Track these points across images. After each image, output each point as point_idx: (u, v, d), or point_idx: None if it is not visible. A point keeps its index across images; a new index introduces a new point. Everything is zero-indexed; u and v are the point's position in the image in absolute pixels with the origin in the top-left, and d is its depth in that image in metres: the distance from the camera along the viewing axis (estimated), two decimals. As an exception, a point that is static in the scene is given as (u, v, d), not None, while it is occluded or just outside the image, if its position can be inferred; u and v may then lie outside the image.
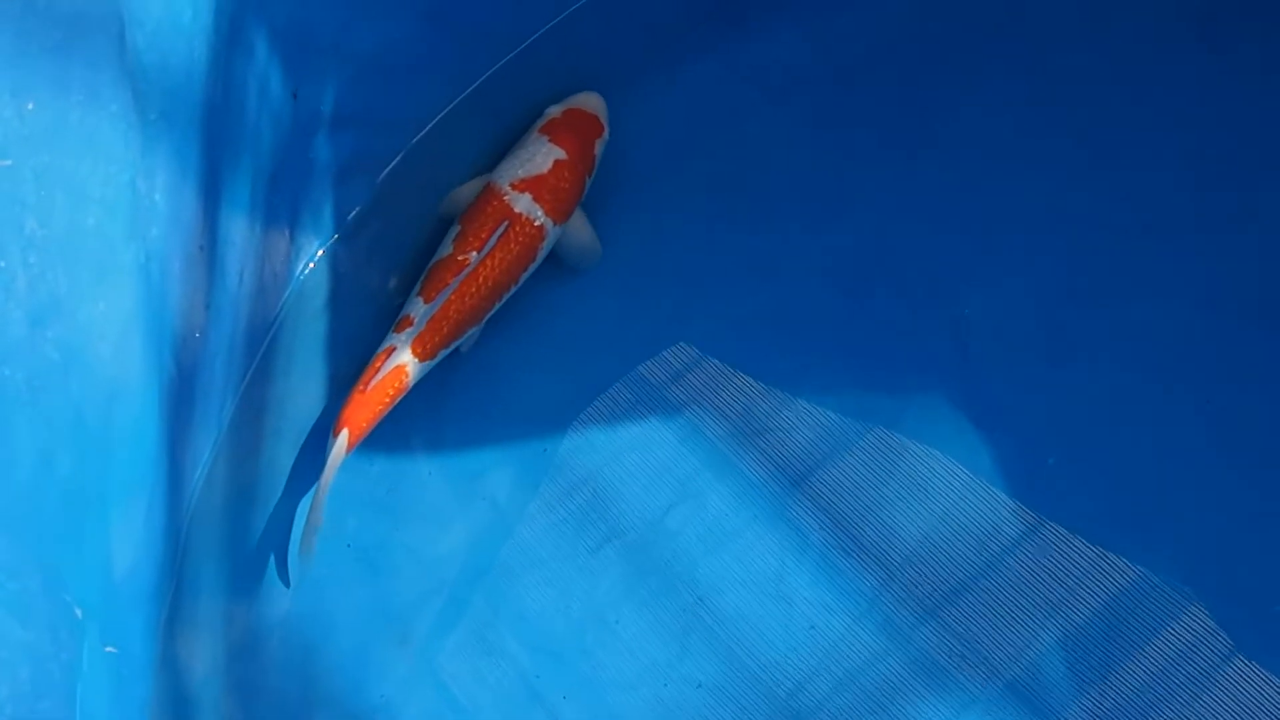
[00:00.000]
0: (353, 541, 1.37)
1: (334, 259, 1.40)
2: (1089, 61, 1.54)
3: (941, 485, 1.35)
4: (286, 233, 1.32)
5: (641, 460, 1.39)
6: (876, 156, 1.53)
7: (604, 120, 1.47)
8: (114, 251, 1.01)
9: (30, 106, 0.90)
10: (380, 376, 1.31)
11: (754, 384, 1.41)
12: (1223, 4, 1.54)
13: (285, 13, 1.20)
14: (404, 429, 1.40)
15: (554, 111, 1.46)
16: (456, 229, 1.39)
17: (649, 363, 1.44)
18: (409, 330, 1.33)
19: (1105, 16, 1.56)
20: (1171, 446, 1.35)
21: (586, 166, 1.44)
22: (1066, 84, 1.53)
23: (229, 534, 1.31)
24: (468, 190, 1.43)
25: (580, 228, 1.44)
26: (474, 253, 1.35)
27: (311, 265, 1.39)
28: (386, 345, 1.33)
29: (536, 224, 1.38)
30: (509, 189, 1.39)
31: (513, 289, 1.39)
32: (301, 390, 1.38)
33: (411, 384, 1.34)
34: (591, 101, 1.47)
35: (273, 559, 1.34)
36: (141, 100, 1.02)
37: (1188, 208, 1.45)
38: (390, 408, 1.33)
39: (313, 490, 1.31)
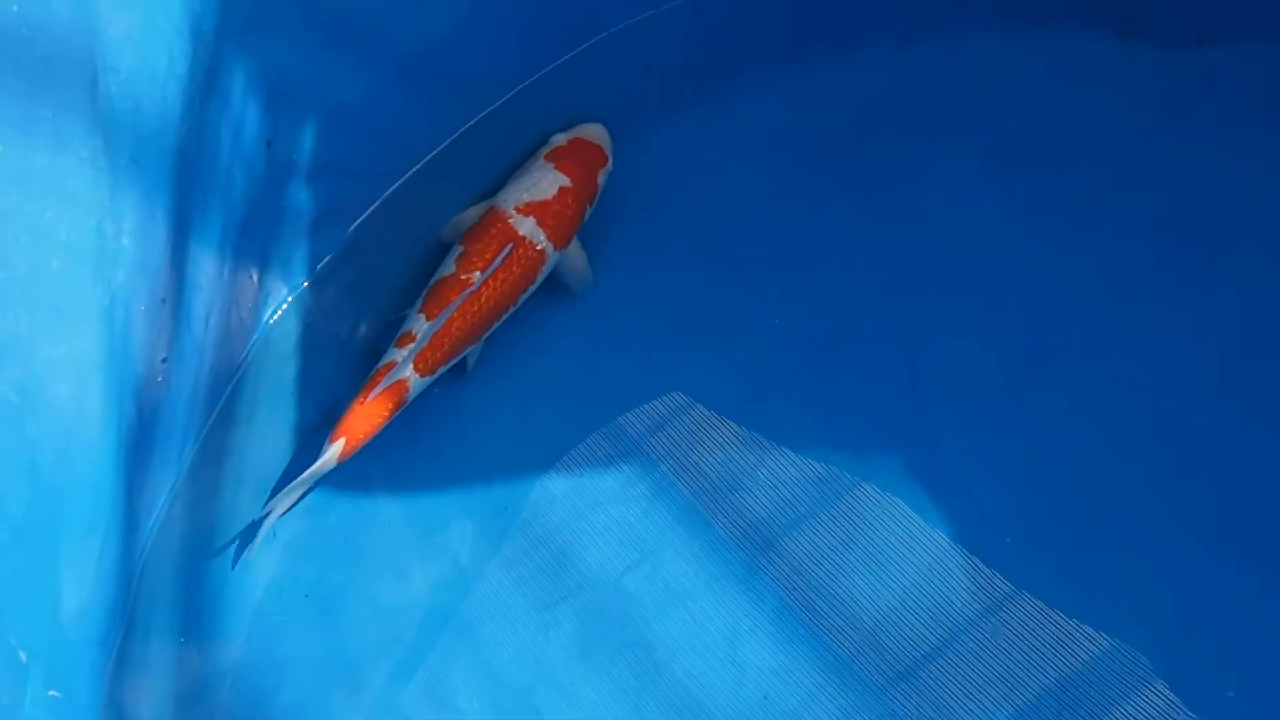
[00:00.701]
0: (311, 590, 1.36)
1: (303, 306, 1.40)
2: (1055, 131, 1.55)
3: (899, 558, 1.34)
4: (255, 279, 1.33)
5: (603, 518, 1.39)
6: (848, 217, 1.54)
7: (608, 151, 1.50)
8: (77, 295, 1.02)
9: (-3, 150, 0.91)
10: (380, 390, 1.33)
11: (719, 445, 1.42)
12: (1183, 85, 1.56)
13: (262, 62, 1.21)
14: (368, 476, 1.41)
15: (560, 139, 1.49)
16: (459, 249, 1.41)
17: (616, 419, 1.45)
18: (411, 346, 1.35)
19: (1071, 90, 1.58)
20: (1128, 519, 1.35)
21: (589, 195, 1.47)
22: (1033, 152, 1.55)
23: (184, 579, 1.30)
24: (471, 214, 1.46)
25: (577, 254, 1.47)
26: (477, 272, 1.38)
27: (280, 312, 1.39)
28: (388, 360, 1.35)
29: (539, 248, 1.41)
30: (514, 212, 1.41)
31: (511, 309, 1.42)
32: (265, 437, 1.37)
33: (411, 398, 1.36)
34: (596, 132, 1.51)
35: (228, 605, 1.34)
36: (112, 146, 1.03)
37: (1146, 277, 1.47)
38: (388, 421, 1.35)
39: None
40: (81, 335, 1.03)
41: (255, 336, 1.36)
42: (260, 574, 1.36)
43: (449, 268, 1.40)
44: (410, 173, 1.46)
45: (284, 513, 1.34)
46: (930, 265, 1.50)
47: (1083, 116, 1.58)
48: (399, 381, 1.34)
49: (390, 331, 1.39)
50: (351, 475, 1.38)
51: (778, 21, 1.59)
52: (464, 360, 1.42)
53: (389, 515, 1.40)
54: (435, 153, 1.47)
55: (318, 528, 1.39)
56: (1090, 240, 1.49)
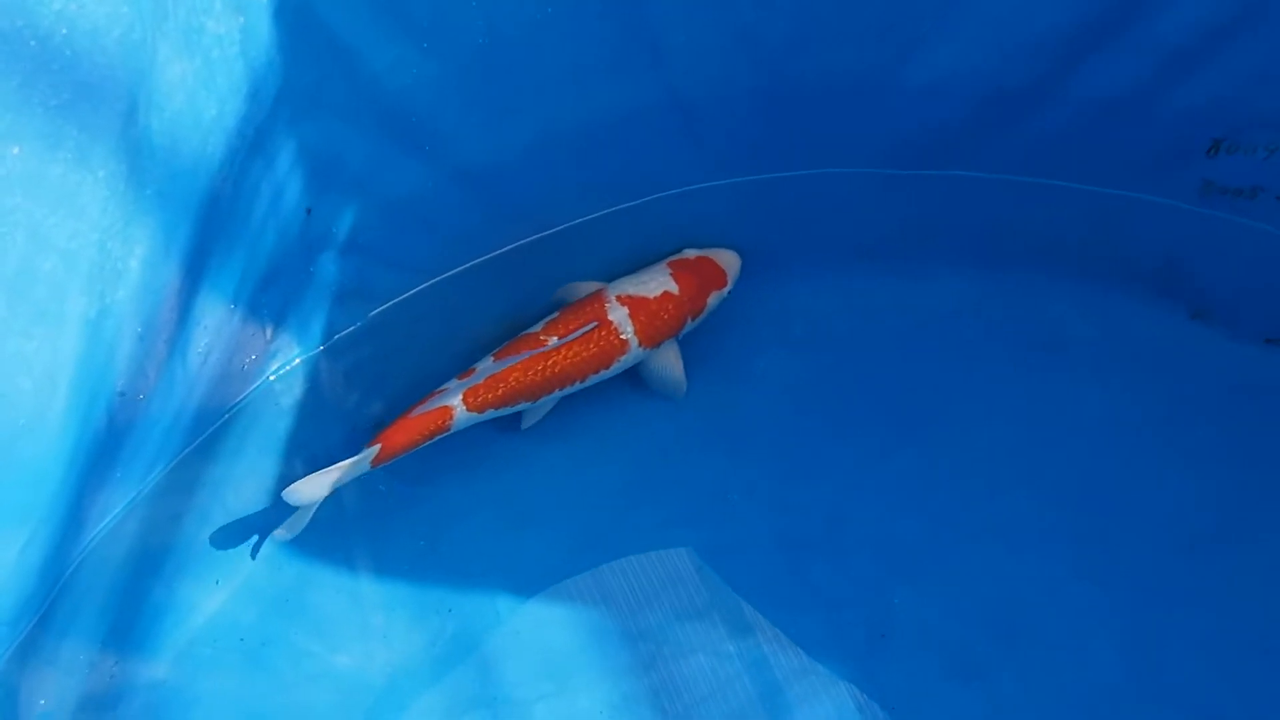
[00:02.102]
0: (246, 636, 1.40)
1: (314, 369, 1.46)
2: (1092, 399, 1.56)
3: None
4: (267, 331, 1.39)
5: (536, 639, 1.42)
6: (851, 433, 1.55)
7: (730, 278, 1.55)
8: (62, 299, 1.08)
9: (16, 151, 0.98)
10: (425, 409, 1.39)
11: (672, 605, 1.42)
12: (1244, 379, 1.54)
13: (317, 136, 1.28)
14: (347, 547, 1.46)
15: (690, 253, 1.55)
16: (554, 315, 1.47)
17: (584, 557, 1.47)
18: (468, 380, 1.41)
19: (1131, 360, 1.58)
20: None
21: (693, 309, 1.51)
22: (1048, 416, 1.55)
23: (121, 591, 1.36)
24: (583, 287, 1.52)
25: (671, 360, 1.52)
26: (555, 338, 1.44)
27: (288, 368, 1.45)
28: (444, 386, 1.42)
29: (622, 337, 1.46)
30: (613, 299, 1.47)
31: (578, 385, 1.46)
32: (245, 481, 1.43)
33: (454, 427, 1.41)
34: (726, 257, 1.55)
35: (161, 628, 1.38)
36: (138, 174, 1.10)
37: (1120, 563, 1.46)
38: (427, 440, 1.40)
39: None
40: (59, 338, 1.09)
41: (257, 385, 1.43)
42: (203, 608, 1.41)
43: (535, 326, 1.46)
44: (448, 274, 1.52)
45: (307, 505, 1.37)
46: (920, 499, 1.50)
47: (1137, 389, 1.57)
48: (445, 407, 1.39)
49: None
50: (326, 539, 1.44)
51: (845, 221, 1.61)
52: (520, 416, 1.47)
53: (341, 585, 1.44)
54: (477, 262, 1.53)
55: (273, 578, 1.43)
56: (1081, 515, 1.49)
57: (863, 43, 1.44)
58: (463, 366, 1.45)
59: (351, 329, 1.49)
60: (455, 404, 1.39)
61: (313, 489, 1.35)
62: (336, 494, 1.46)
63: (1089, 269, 1.61)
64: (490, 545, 1.47)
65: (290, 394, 1.45)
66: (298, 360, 1.45)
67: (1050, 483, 1.51)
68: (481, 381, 1.40)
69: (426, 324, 1.52)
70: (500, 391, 1.41)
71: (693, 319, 1.52)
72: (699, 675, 1.40)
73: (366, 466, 1.37)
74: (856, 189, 1.60)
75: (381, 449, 1.37)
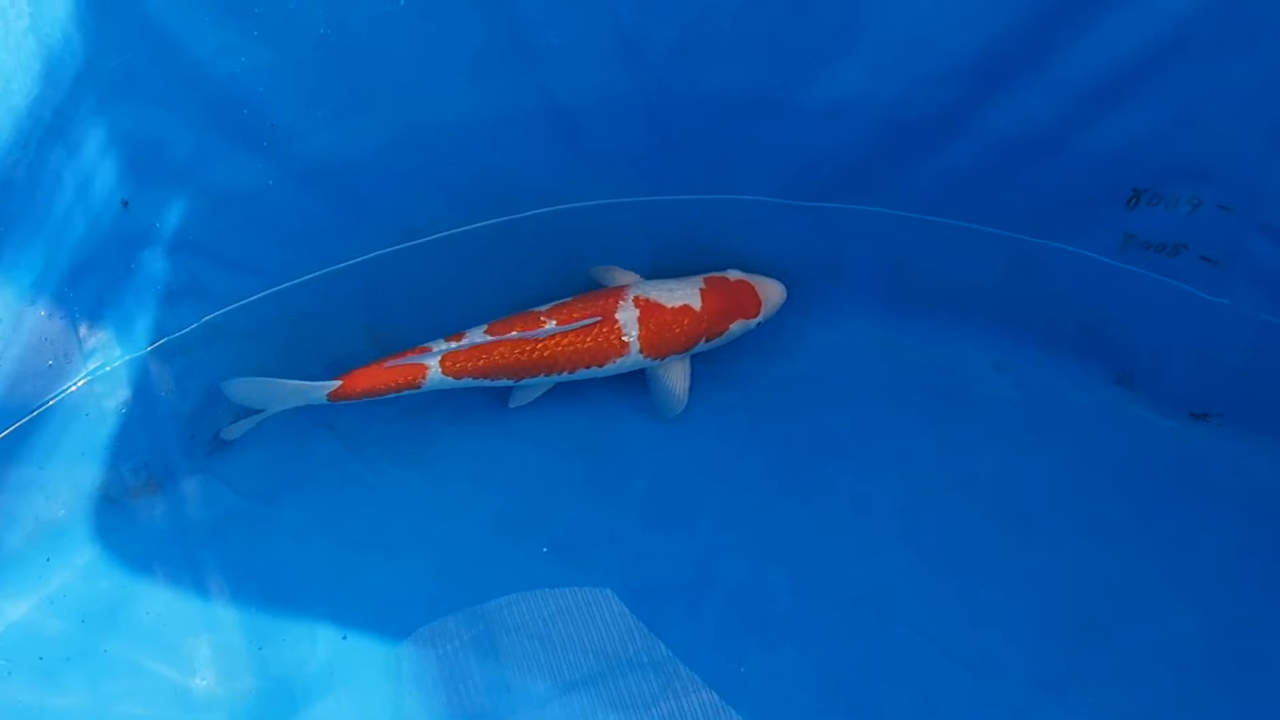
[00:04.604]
0: (46, 653, 1.31)
1: (143, 371, 1.36)
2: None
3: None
4: (80, 330, 1.29)
5: (353, 675, 1.33)
6: (730, 478, 1.46)
7: (764, 311, 1.46)
8: None
9: None
10: (400, 362, 1.35)
11: (514, 676, 1.34)
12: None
13: (128, 125, 1.19)
14: (197, 567, 1.37)
15: (733, 274, 1.47)
16: (568, 300, 1.42)
17: (421, 588, 1.38)
18: (453, 344, 1.36)
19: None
20: None
21: (710, 330, 1.43)
22: (943, 473, 1.45)
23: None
24: (619, 275, 1.47)
25: (677, 376, 1.44)
26: (553, 321, 1.37)
27: (110, 369, 1.34)
28: (429, 344, 1.36)
29: (624, 339, 1.39)
30: (630, 298, 1.41)
31: (567, 375, 1.40)
32: (58, 485, 1.34)
33: (426, 387, 1.36)
34: (769, 289, 1.47)
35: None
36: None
37: (997, 643, 1.35)
38: (394, 392, 1.35)
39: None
40: None
41: (71, 384, 1.32)
42: (7, 614, 1.32)
43: (541, 307, 1.39)
44: (300, 280, 1.41)
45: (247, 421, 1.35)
46: (802, 559, 1.40)
47: (1044, 453, 1.46)
48: (420, 365, 1.35)
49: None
50: (152, 549, 1.36)
51: (743, 253, 1.50)
52: (507, 392, 1.44)
53: (159, 600, 1.35)
54: (335, 269, 1.42)
55: (87, 590, 1.34)
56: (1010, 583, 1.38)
57: (757, 58, 1.33)
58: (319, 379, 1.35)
59: (184, 331, 1.38)
60: (432, 364, 1.35)
61: (253, 390, 1.33)
62: (172, 504, 1.39)
63: (1007, 321, 1.49)
64: (324, 570, 1.38)
65: (114, 396, 1.35)
66: (120, 361, 1.35)
67: (934, 546, 1.40)
68: (465, 349, 1.35)
69: (275, 331, 1.41)
70: (481, 363, 1.36)
71: (708, 340, 1.44)
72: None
73: (322, 398, 1.34)
74: (755, 219, 1.49)
75: (342, 386, 1.33)
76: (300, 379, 1.34)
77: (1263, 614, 1.35)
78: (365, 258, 1.43)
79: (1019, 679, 1.32)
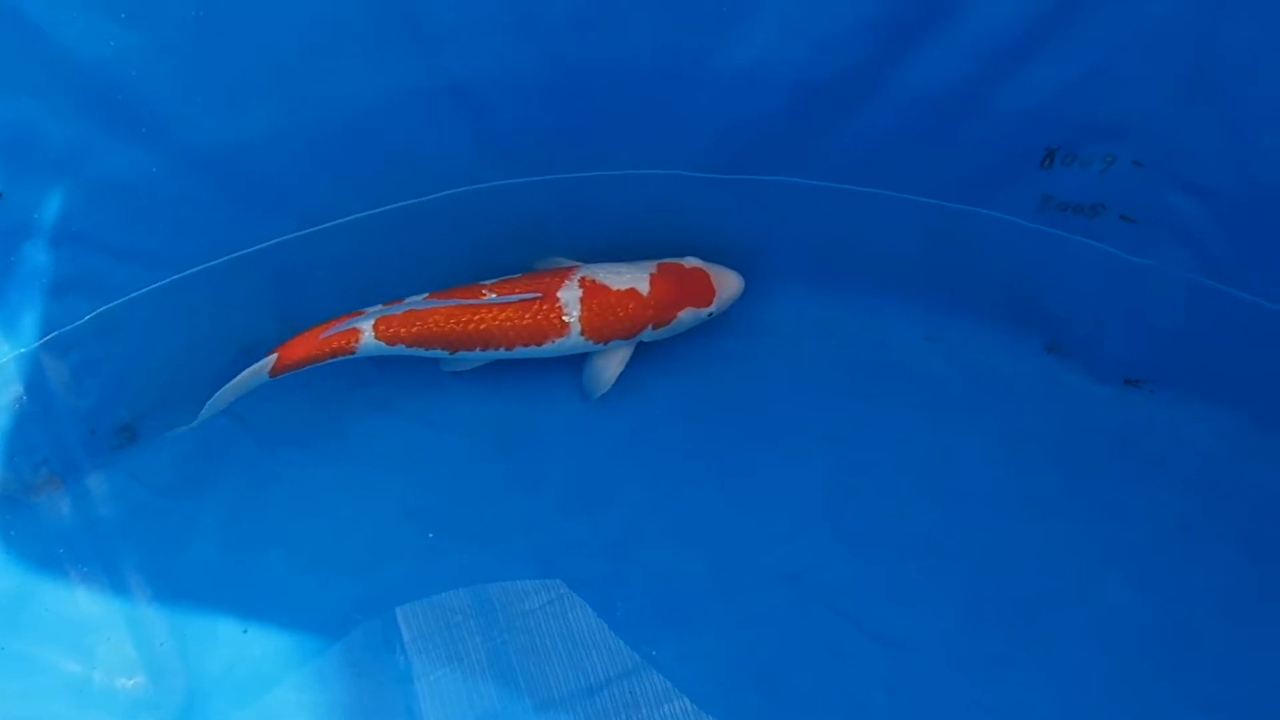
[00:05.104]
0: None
1: (33, 367, 1.33)
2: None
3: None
4: (-41, 324, 1.26)
5: (253, 670, 1.30)
6: (649, 461, 1.42)
7: (718, 301, 1.42)
8: None
9: None
10: (335, 329, 1.32)
11: (429, 664, 1.30)
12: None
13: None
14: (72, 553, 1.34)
15: (691, 261, 1.42)
16: (516, 275, 1.39)
17: (328, 581, 1.34)
18: (390, 309, 1.34)
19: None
20: None
21: (657, 317, 1.40)
22: (873, 451, 1.41)
23: None
24: (560, 260, 1.44)
25: (613, 361, 1.41)
26: (494, 294, 1.34)
27: (-7, 365, 1.32)
28: (365, 309, 1.34)
29: (564, 319, 1.36)
30: (575, 279, 1.37)
31: (505, 352, 1.37)
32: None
33: (360, 352, 1.33)
34: (725, 279, 1.43)
35: None
36: None
37: (923, 624, 1.31)
38: (328, 359, 1.32)
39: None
40: None
41: (-53, 379, 1.29)
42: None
43: (489, 281, 1.37)
44: (198, 269, 1.37)
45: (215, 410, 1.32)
46: (721, 543, 1.36)
47: (978, 425, 1.41)
48: (354, 329, 1.32)
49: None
50: (55, 546, 1.33)
51: (663, 229, 1.46)
52: (436, 361, 1.39)
53: (61, 598, 1.31)
54: (234, 257, 1.38)
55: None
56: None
57: (658, 25, 1.28)
58: (228, 372, 1.31)
59: (76, 325, 1.34)
60: (365, 328, 1.31)
61: (214, 408, 1.31)
62: (76, 500, 1.36)
63: (936, 291, 1.44)
64: (230, 564, 1.35)
65: (6, 392, 1.31)
66: (9, 356, 1.31)
67: (859, 526, 1.35)
68: (399, 314, 1.32)
69: (176, 322, 1.37)
70: (415, 329, 1.33)
71: (655, 328, 1.40)
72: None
73: (265, 376, 1.31)
74: (675, 194, 1.44)
75: (279, 359, 1.31)
76: (211, 369, 1.31)
77: (1198, 586, 1.30)
78: (268, 244, 1.39)
79: (943, 658, 1.28)
